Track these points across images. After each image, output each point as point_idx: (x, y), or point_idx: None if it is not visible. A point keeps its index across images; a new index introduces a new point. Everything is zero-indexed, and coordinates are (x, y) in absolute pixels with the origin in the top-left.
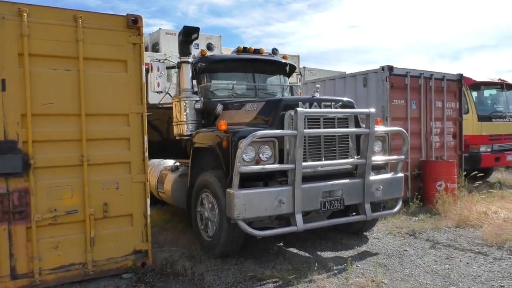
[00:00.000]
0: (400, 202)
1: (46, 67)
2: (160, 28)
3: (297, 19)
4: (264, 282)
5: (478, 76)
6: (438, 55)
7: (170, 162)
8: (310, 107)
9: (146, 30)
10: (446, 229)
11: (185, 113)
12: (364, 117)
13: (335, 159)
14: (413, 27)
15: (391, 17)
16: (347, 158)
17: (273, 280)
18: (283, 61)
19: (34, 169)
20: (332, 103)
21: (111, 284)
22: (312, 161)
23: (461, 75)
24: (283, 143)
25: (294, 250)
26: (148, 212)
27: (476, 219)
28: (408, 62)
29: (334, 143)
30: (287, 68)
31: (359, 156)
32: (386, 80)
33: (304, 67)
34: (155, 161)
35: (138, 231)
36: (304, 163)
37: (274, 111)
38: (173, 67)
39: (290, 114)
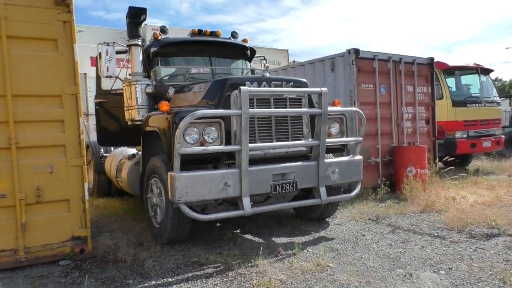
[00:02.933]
0: (359, 186)
1: None
2: (145, 24)
3: (290, 15)
4: (205, 267)
5: (452, 60)
6: (431, 48)
7: (132, 151)
8: (259, 87)
9: None
10: (411, 214)
11: (136, 98)
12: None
13: (287, 141)
14: (406, 20)
15: (383, 10)
16: (300, 140)
17: (215, 265)
18: (242, 44)
19: None
20: (283, 82)
21: (45, 271)
22: (261, 143)
23: (432, 58)
24: (230, 124)
25: (249, 237)
26: (87, 197)
27: (442, 204)
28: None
29: (286, 124)
30: (248, 52)
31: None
32: (353, 64)
33: (293, 61)
34: (118, 150)
35: (76, 216)
36: (250, 145)
37: (220, 91)
38: (124, 52)
39: (235, 94)
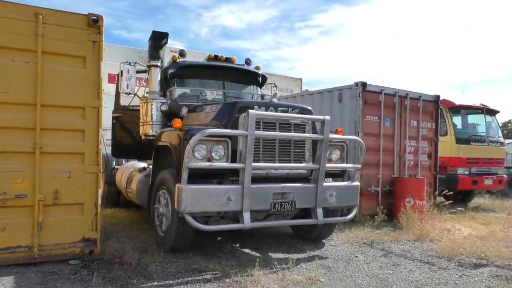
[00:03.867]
0: (355, 210)
1: (5, 58)
2: (165, 46)
3: (307, 45)
4: (204, 273)
5: (459, 99)
6: (447, 87)
7: (143, 164)
8: (266, 111)
9: None
10: (405, 241)
11: (151, 114)
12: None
13: (289, 163)
14: (422, 59)
15: (401, 46)
16: (301, 163)
17: (214, 272)
18: (254, 70)
19: None
20: (290, 108)
21: (56, 268)
22: (264, 163)
23: (438, 96)
24: (236, 144)
25: (247, 250)
26: (99, 202)
27: (436, 234)
28: None
29: (289, 147)
30: (259, 78)
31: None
32: (359, 96)
33: (306, 90)
34: (129, 163)
35: (88, 219)
36: (254, 164)
37: (230, 113)
38: (144, 71)
39: (244, 116)
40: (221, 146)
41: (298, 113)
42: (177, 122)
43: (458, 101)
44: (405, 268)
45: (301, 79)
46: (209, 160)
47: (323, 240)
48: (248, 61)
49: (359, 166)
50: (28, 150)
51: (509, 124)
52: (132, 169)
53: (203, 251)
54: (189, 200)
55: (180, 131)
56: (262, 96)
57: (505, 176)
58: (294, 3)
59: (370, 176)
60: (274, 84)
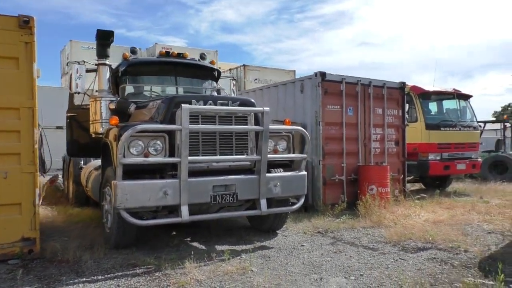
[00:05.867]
0: (302, 200)
1: None
2: (156, 43)
3: (308, 37)
4: (138, 268)
5: (428, 85)
6: (449, 73)
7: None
8: (204, 105)
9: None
10: (360, 229)
11: (100, 113)
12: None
13: (231, 155)
14: (424, 45)
15: (402, 34)
16: (243, 155)
17: (148, 267)
18: (206, 64)
19: None
20: (230, 101)
21: None
22: (204, 156)
23: (403, 83)
24: (174, 139)
25: (195, 244)
26: (37, 202)
27: (391, 221)
28: (419, 79)
29: (230, 140)
30: (215, 72)
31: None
32: (319, 86)
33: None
34: (93, 162)
35: (26, 219)
36: (190, 157)
37: (167, 108)
38: (94, 70)
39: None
40: (158, 142)
41: (239, 105)
42: (113, 119)
43: (428, 87)
44: (345, 254)
45: (294, 71)
46: (146, 155)
47: (278, 231)
48: (203, 56)
49: (305, 155)
50: None
51: (509, 108)
52: (92, 168)
53: (148, 246)
54: (123, 196)
55: (117, 127)
56: (218, 91)
57: (479, 159)
58: None
59: (334, 166)
60: (233, 77)
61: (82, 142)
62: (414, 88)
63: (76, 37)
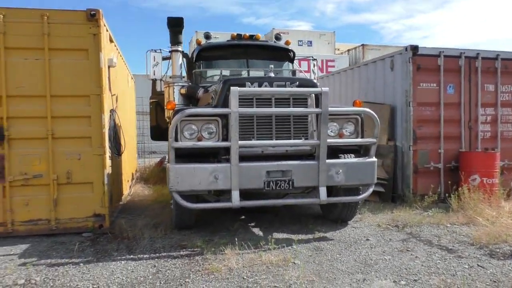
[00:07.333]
0: (371, 189)
1: (19, 57)
2: (273, 28)
3: (445, 8)
4: (185, 250)
5: None
6: None
7: None
8: (260, 87)
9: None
10: (448, 225)
11: (173, 98)
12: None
13: (289, 140)
14: None
15: None
16: (302, 139)
17: (194, 249)
18: (276, 45)
19: (8, 140)
20: (288, 82)
21: (67, 240)
22: (259, 140)
23: None
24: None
25: (254, 230)
26: (106, 181)
27: (490, 218)
28: None
29: (288, 123)
30: (290, 54)
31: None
32: (410, 62)
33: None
34: None
35: (98, 197)
36: (243, 142)
37: (221, 91)
38: (169, 58)
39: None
40: (211, 125)
41: (297, 86)
42: (169, 104)
43: None
44: (411, 254)
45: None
46: (199, 139)
47: (349, 222)
48: (278, 36)
49: (373, 140)
50: (42, 136)
51: None
52: None
53: (209, 229)
54: (175, 179)
55: (173, 112)
56: (294, 72)
57: None
58: None
59: (428, 152)
60: (312, 57)
61: (164, 127)
62: None
63: (209, 29)
